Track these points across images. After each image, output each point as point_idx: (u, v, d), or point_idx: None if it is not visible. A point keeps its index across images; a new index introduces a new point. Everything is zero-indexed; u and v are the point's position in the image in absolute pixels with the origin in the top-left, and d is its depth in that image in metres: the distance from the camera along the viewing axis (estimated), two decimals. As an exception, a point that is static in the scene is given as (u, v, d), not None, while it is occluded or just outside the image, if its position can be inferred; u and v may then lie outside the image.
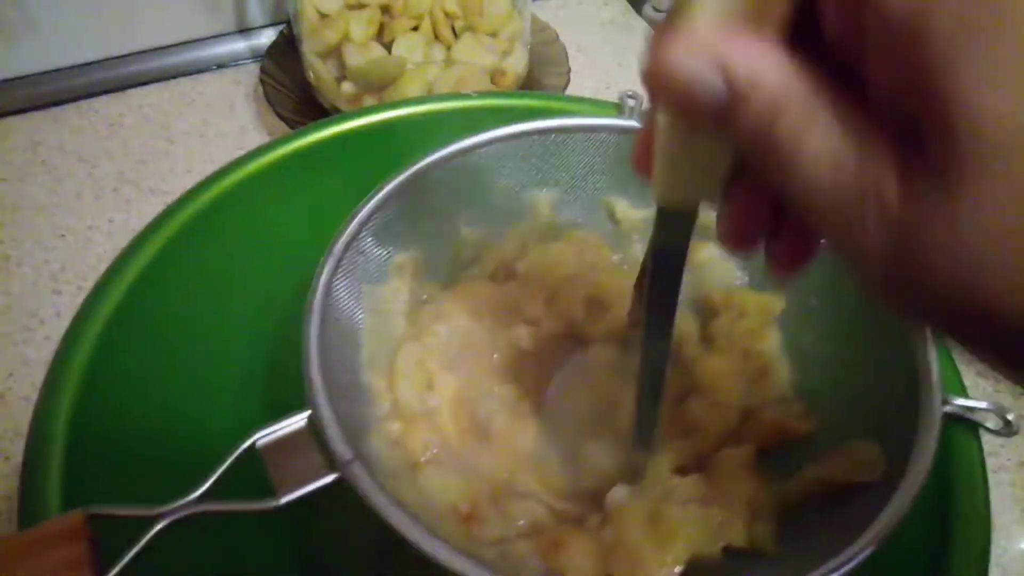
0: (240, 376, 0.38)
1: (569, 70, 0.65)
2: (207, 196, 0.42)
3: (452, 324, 0.39)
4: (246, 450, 0.28)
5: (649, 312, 0.28)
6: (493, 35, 0.60)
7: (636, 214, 0.43)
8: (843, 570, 0.26)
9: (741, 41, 0.18)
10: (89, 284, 0.52)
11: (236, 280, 0.40)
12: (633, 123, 0.40)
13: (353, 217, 0.35)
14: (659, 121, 0.21)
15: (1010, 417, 0.34)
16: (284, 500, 0.27)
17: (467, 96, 0.47)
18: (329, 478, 0.28)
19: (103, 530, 0.26)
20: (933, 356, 0.31)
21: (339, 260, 0.34)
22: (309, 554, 0.37)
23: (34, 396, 0.46)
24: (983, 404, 0.34)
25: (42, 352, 0.49)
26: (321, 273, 0.33)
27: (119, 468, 0.31)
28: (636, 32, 0.77)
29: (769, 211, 0.23)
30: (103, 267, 0.53)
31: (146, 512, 0.26)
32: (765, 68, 0.18)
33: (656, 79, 0.19)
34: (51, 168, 0.60)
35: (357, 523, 0.39)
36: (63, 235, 0.56)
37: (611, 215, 0.43)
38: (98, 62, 0.67)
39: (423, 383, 0.37)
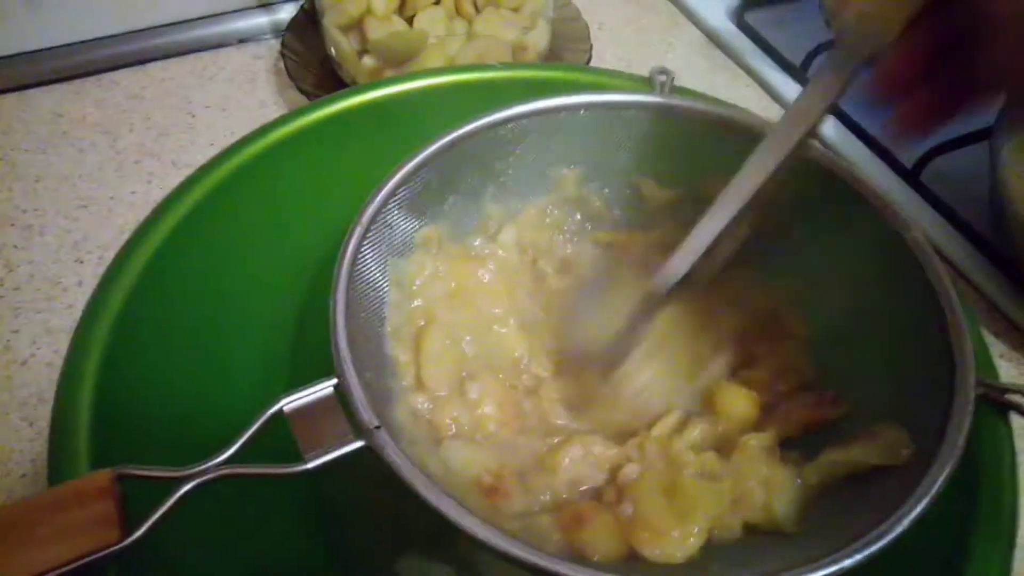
0: (266, 344, 0.38)
1: (591, 47, 0.64)
2: (229, 166, 0.42)
3: (476, 300, 0.39)
4: (273, 415, 0.28)
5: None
6: (515, 10, 0.60)
7: (663, 194, 0.42)
8: (869, 551, 0.26)
9: None
10: (111, 255, 0.52)
11: (260, 249, 0.40)
12: (663, 100, 0.40)
13: (381, 188, 0.35)
14: None
15: None
16: (311, 464, 0.27)
17: (490, 67, 0.47)
18: (355, 445, 0.28)
19: (131, 491, 0.26)
20: (966, 335, 0.31)
21: (366, 230, 0.34)
22: (330, 524, 0.38)
23: (57, 363, 0.46)
24: (1017, 386, 0.33)
25: (64, 320, 0.49)
26: (349, 242, 0.33)
27: (146, 431, 0.31)
28: (660, 11, 0.76)
29: (935, 58, 0.25)
30: (125, 238, 0.54)
31: (175, 473, 0.26)
32: None
33: None
34: (73, 140, 0.60)
35: (378, 494, 0.39)
36: (85, 206, 0.56)
37: (638, 193, 0.43)
38: (120, 35, 0.67)
39: (454, 370, 0.37)
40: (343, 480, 0.39)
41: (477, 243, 0.42)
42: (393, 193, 0.36)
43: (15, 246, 0.53)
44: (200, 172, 0.41)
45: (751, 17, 0.73)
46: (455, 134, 0.37)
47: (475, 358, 0.38)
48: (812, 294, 0.39)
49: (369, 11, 0.56)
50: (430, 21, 0.57)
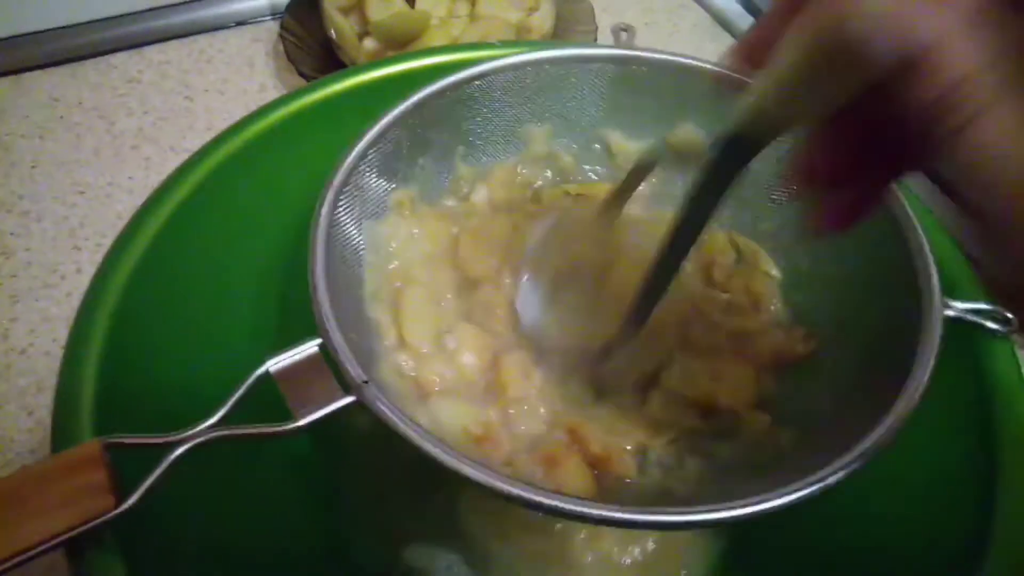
0: (256, 316, 0.38)
1: (596, 28, 0.63)
2: (227, 149, 0.41)
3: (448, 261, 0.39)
4: (260, 377, 0.27)
5: (686, 216, 0.28)
6: (519, -9, 0.59)
7: (631, 146, 0.42)
8: (848, 470, 0.26)
9: (929, 4, 0.16)
10: (108, 241, 0.52)
11: (255, 228, 0.40)
12: (626, 52, 0.39)
13: (351, 150, 0.35)
14: (795, 44, 0.20)
15: (1009, 315, 0.33)
16: (302, 422, 0.26)
17: (491, 46, 0.46)
18: (345, 400, 0.27)
19: (129, 459, 0.26)
20: (930, 260, 0.31)
21: (338, 193, 0.34)
22: (321, 487, 0.38)
23: (55, 352, 0.46)
24: (983, 305, 0.32)
25: (63, 308, 0.48)
26: (322, 205, 0.33)
27: (147, 405, 0.31)
28: (664, -9, 0.75)
29: (854, 158, 0.22)
30: (123, 224, 0.53)
31: (164, 439, 0.25)
32: (953, 36, 0.16)
33: (829, 30, 0.18)
34: (70, 125, 0.59)
35: (366, 454, 0.39)
36: (82, 192, 0.55)
37: (606, 147, 0.43)
38: (117, 17, 0.65)
39: (434, 327, 0.37)
40: (347, 468, 0.39)
41: (450, 204, 0.41)
42: (364, 155, 0.35)
43: (12, 233, 0.52)
44: (198, 156, 0.40)
45: (759, -2, 0.72)
46: (423, 93, 0.37)
47: (453, 313, 0.38)
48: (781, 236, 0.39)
49: (370, -8, 0.55)
50: (432, 2, 0.56)
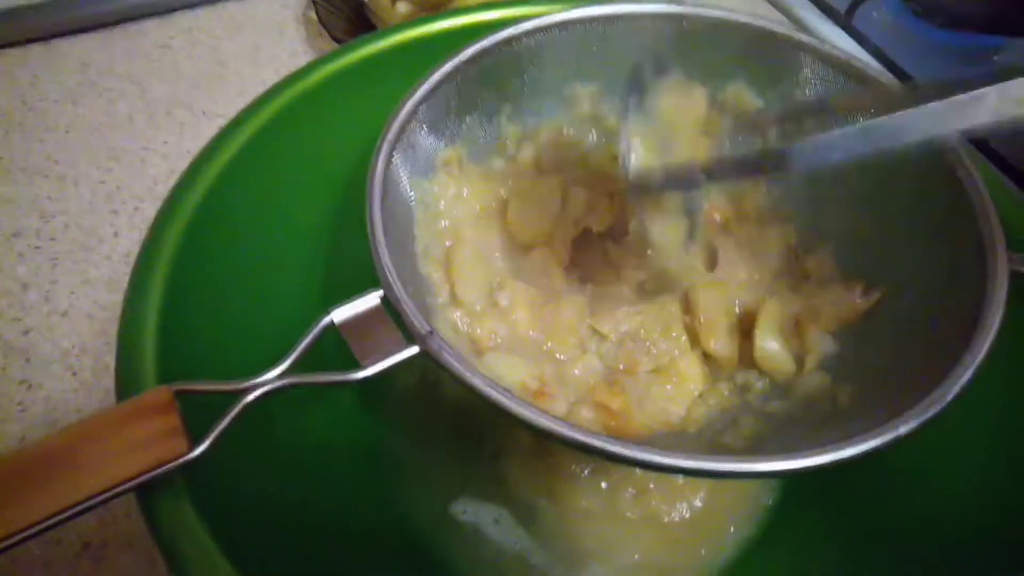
0: (305, 269, 0.38)
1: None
2: (271, 109, 0.41)
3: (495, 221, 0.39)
4: (325, 327, 0.28)
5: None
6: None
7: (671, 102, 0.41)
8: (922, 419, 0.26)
9: None
10: (146, 205, 0.52)
11: (298, 186, 0.40)
12: (677, 9, 0.39)
13: (403, 105, 0.35)
14: None
15: None
16: (369, 371, 0.27)
17: (535, 1, 0.45)
18: (412, 350, 0.27)
19: (192, 408, 0.26)
20: (993, 213, 0.30)
21: (392, 147, 0.34)
22: (368, 443, 0.38)
23: (97, 314, 0.46)
24: None
25: (102, 271, 0.49)
26: (377, 159, 0.33)
27: (206, 354, 0.31)
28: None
29: None
30: (159, 188, 0.53)
31: (234, 386, 0.26)
32: None
33: None
34: (102, 90, 0.59)
35: (411, 412, 0.40)
36: (117, 157, 0.55)
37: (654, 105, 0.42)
38: (145, -16, 0.65)
39: (485, 285, 0.37)
40: (393, 424, 0.39)
41: (497, 163, 0.41)
42: (415, 112, 0.35)
43: (49, 197, 0.52)
44: (244, 114, 0.40)
45: (793, -36, 0.71)
46: (472, 49, 0.37)
47: (504, 271, 0.38)
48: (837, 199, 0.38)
49: (405, -46, 0.54)
50: (467, -36, 0.55)
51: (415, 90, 0.35)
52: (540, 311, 0.36)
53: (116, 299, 0.47)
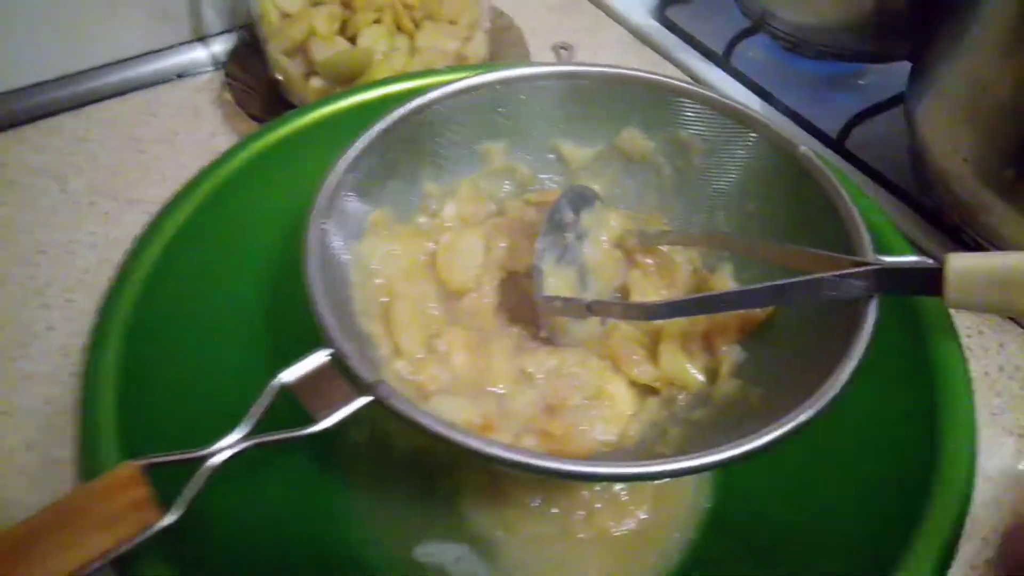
0: (252, 337, 0.40)
1: (528, 52, 0.67)
2: (200, 192, 0.43)
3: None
4: (279, 388, 0.30)
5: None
6: (452, 23, 0.62)
7: (583, 153, 0.46)
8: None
9: None
10: (78, 296, 0.53)
11: (234, 262, 0.42)
12: (569, 68, 0.43)
13: (328, 178, 0.37)
14: None
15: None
16: (323, 424, 0.29)
17: (439, 72, 0.49)
18: (362, 400, 0.29)
19: (164, 473, 0.27)
20: (858, 221, 0.35)
21: (323, 215, 0.36)
22: (327, 499, 0.40)
23: (40, 407, 0.47)
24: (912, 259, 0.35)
25: (40, 365, 0.49)
26: (310, 225, 0.35)
27: (166, 419, 0.33)
28: (585, 13, 0.79)
29: None
30: (90, 278, 0.54)
31: (198, 453, 0.27)
32: None
33: None
34: (21, 187, 0.60)
35: (365, 463, 0.42)
36: (44, 251, 0.55)
37: (559, 156, 0.46)
38: (55, 80, 0.66)
39: (424, 333, 0.39)
40: (355, 479, 0.41)
41: (422, 221, 0.45)
42: (340, 181, 0.38)
43: (-23, 298, 0.52)
44: (174, 200, 0.42)
45: (672, 13, 0.77)
46: (387, 120, 0.40)
47: (439, 319, 0.41)
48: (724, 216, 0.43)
49: (313, 33, 0.57)
50: (373, 38, 0.58)
51: (339, 161, 0.38)
52: (475, 353, 0.39)
53: (57, 392, 0.47)
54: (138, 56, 0.68)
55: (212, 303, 0.39)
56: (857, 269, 0.33)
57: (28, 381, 0.48)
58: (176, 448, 0.28)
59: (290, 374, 0.30)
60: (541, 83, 0.43)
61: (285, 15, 0.59)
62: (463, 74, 0.43)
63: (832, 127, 0.64)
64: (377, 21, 0.60)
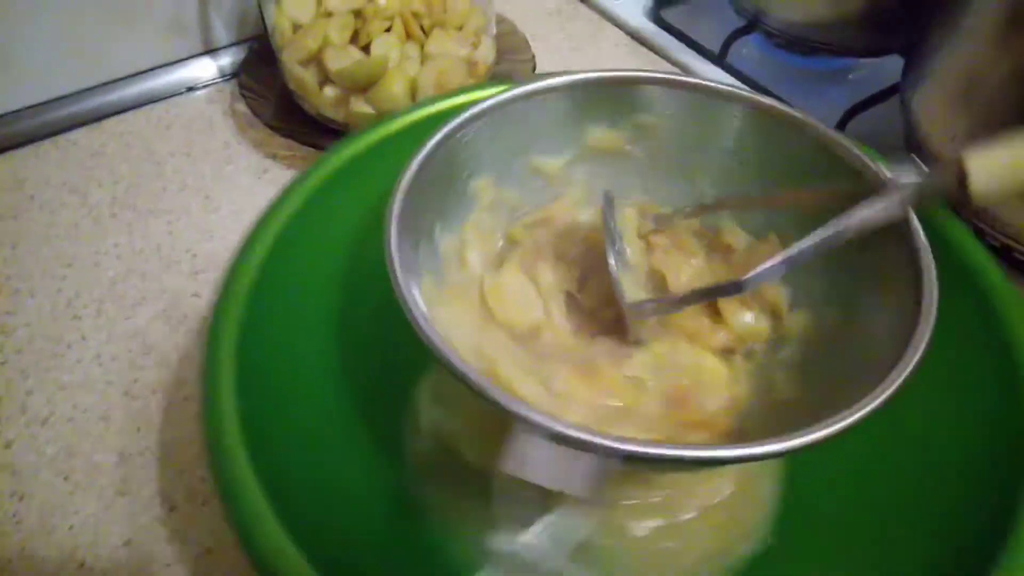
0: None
1: (533, 56, 0.69)
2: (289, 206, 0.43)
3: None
4: None
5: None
6: (459, 29, 0.64)
7: (556, 163, 0.46)
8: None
9: None
10: (108, 306, 0.54)
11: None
12: (525, 87, 0.42)
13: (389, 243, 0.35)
14: None
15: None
16: None
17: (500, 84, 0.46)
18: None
19: None
20: (860, 153, 0.39)
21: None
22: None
23: (77, 416, 0.48)
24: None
25: (75, 374, 0.50)
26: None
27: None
28: (584, 18, 0.81)
29: None
30: (120, 287, 0.55)
31: None
32: None
33: None
34: (42, 203, 0.61)
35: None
36: (70, 263, 0.56)
37: (539, 173, 0.46)
38: (69, 96, 0.67)
39: (539, 383, 0.38)
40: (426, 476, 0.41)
41: (457, 276, 0.43)
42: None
43: (8, 312, 0.53)
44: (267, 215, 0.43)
45: (667, 14, 0.79)
46: (402, 186, 0.37)
47: (534, 361, 0.39)
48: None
49: (328, 43, 0.59)
50: (385, 47, 0.60)
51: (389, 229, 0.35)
52: (589, 380, 0.38)
53: (94, 400, 0.48)
54: (150, 69, 0.70)
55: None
56: (885, 185, 0.35)
57: (64, 391, 0.49)
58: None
59: None
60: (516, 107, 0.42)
61: (297, 26, 0.61)
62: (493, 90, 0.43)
63: (828, 122, 0.67)
64: (388, 30, 0.61)
